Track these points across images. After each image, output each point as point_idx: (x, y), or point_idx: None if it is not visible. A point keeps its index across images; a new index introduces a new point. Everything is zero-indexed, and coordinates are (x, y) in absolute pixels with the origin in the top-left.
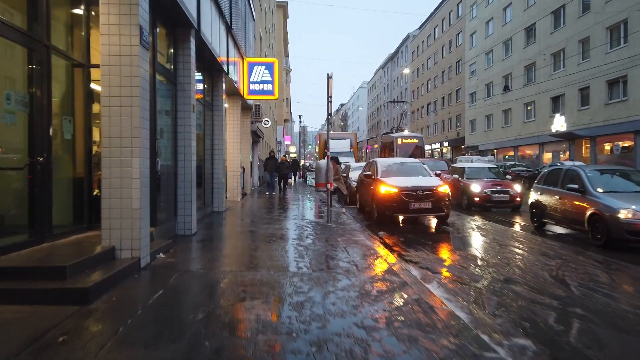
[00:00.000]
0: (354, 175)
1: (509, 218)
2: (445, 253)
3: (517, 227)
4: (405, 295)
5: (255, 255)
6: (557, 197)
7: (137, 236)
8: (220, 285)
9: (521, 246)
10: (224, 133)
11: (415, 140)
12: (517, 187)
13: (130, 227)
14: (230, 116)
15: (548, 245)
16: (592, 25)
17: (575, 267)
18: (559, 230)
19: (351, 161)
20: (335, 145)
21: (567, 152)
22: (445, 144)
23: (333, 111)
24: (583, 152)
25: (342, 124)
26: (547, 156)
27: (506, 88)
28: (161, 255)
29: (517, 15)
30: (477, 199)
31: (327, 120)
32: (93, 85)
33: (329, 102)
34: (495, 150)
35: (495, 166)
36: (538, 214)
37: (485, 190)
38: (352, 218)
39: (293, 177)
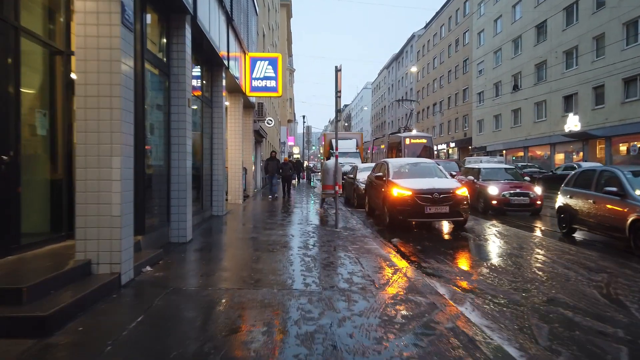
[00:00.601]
0: (362, 176)
1: (530, 223)
2: (470, 264)
3: (542, 234)
4: (437, 323)
5: (257, 267)
6: (591, 201)
7: (118, 248)
8: (214, 309)
9: (554, 257)
10: (224, 131)
11: (424, 141)
12: (538, 190)
13: (109, 237)
14: (232, 114)
15: (585, 255)
16: (607, 21)
17: (625, 283)
18: (590, 237)
19: (357, 162)
20: (340, 146)
21: (581, 153)
22: (452, 144)
23: None
24: (597, 152)
25: (346, 124)
26: (559, 157)
27: (516, 87)
28: (148, 268)
29: (527, 12)
30: (494, 202)
31: (336, 116)
32: (75, 76)
33: (338, 96)
34: (504, 151)
35: (512, 167)
36: (567, 219)
37: (504, 192)
38: (361, 222)
39: (297, 178)
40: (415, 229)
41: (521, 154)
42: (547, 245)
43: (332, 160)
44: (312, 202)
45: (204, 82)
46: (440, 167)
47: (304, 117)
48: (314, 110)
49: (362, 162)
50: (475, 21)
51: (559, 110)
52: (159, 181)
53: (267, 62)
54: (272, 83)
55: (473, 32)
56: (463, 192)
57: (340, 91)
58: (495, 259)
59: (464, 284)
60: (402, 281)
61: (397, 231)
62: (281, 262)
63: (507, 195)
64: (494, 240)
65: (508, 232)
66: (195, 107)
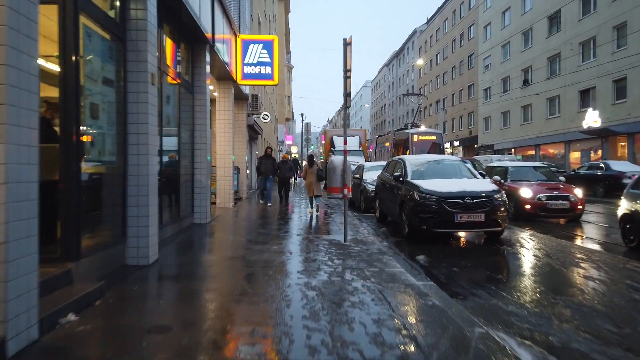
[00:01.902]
0: (369, 176)
1: (574, 232)
2: (536, 299)
3: (602, 247)
4: None
5: (239, 313)
6: None
7: (1, 296)
8: None
9: None
10: (208, 123)
11: (434, 137)
12: (578, 192)
13: None
14: (222, 106)
15: None
16: (630, 9)
17: None
18: None
19: (360, 160)
20: (342, 143)
21: (600, 151)
22: (456, 143)
23: (335, 111)
24: (618, 150)
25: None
26: (574, 155)
27: (526, 82)
28: (71, 317)
29: (538, 2)
30: (528, 206)
31: (345, 102)
32: None
33: (347, 76)
34: (513, 150)
35: (545, 165)
36: (636, 230)
37: (539, 195)
38: (373, 232)
39: (294, 177)
40: (441, 241)
41: (532, 152)
42: (621, 266)
43: (339, 157)
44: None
45: (183, 62)
46: (468, 165)
47: (302, 115)
48: (313, 107)
49: (366, 161)
50: (481, 14)
51: (574, 106)
52: (110, 184)
53: (261, 46)
54: (267, 69)
55: (479, 26)
56: (501, 196)
57: (349, 70)
58: (565, 290)
59: (550, 339)
60: (457, 337)
61: (418, 244)
62: (274, 300)
63: (543, 199)
64: (546, 258)
65: (557, 246)
66: (156, 83)
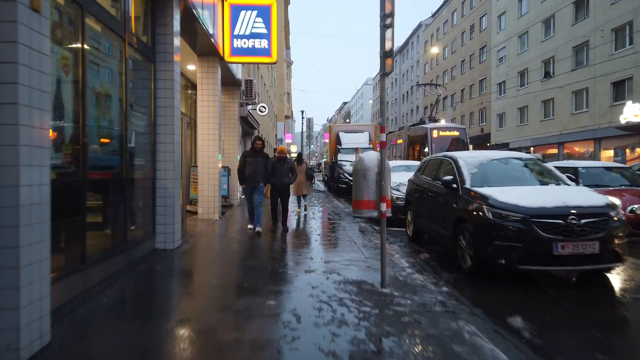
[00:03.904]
0: (395, 179)
1: None
2: None
3: None
4: None
5: None
6: None
7: None
8: None
9: None
10: (177, 105)
11: (456, 133)
12: None
13: None
14: (206, 90)
15: None
16: None
17: None
18: None
19: None
20: (350, 140)
21: (638, 149)
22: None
23: (335, 110)
24: None
25: (347, 121)
26: (606, 154)
27: (547, 74)
28: None
29: None
30: None
31: (382, 65)
32: None
33: (386, 25)
34: (532, 148)
35: (623, 166)
36: None
37: (632, 207)
38: (413, 262)
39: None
40: (514, 279)
41: (554, 151)
42: None
43: (372, 155)
44: (322, 219)
45: (136, 15)
46: (548, 165)
47: (302, 112)
48: (312, 106)
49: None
50: (495, 3)
51: (606, 99)
52: None
53: (255, 13)
54: (264, 43)
55: (492, 16)
56: (617, 213)
57: (390, 15)
58: None
59: None
60: None
61: (488, 286)
62: None
63: (638, 211)
64: None
65: None
66: (41, 9)
